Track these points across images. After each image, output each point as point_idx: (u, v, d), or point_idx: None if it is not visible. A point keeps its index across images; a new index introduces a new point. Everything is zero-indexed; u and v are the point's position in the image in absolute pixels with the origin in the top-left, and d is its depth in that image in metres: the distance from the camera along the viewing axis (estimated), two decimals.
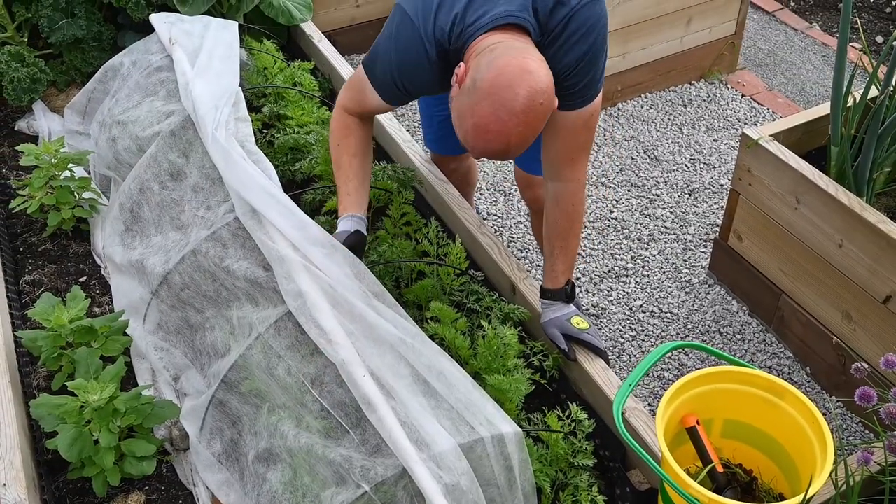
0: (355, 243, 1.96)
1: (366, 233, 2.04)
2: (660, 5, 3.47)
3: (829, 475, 1.51)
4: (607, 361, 1.99)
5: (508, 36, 1.70)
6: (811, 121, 2.63)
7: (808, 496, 1.38)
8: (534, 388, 1.90)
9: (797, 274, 2.56)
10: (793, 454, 1.61)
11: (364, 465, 1.60)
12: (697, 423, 1.63)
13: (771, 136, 2.54)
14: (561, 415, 1.85)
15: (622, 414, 1.64)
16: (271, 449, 1.76)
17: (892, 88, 2.42)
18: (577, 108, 1.86)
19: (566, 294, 2.05)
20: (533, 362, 1.99)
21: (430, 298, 2.12)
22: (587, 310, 2.82)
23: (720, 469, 1.65)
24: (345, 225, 1.99)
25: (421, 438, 1.59)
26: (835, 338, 2.44)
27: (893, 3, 4.11)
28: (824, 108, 2.61)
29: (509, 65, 1.60)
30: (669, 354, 2.70)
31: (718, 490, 1.62)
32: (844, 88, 2.48)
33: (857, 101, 2.50)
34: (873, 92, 2.55)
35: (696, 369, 1.93)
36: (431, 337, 1.94)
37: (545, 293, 2.07)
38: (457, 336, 1.90)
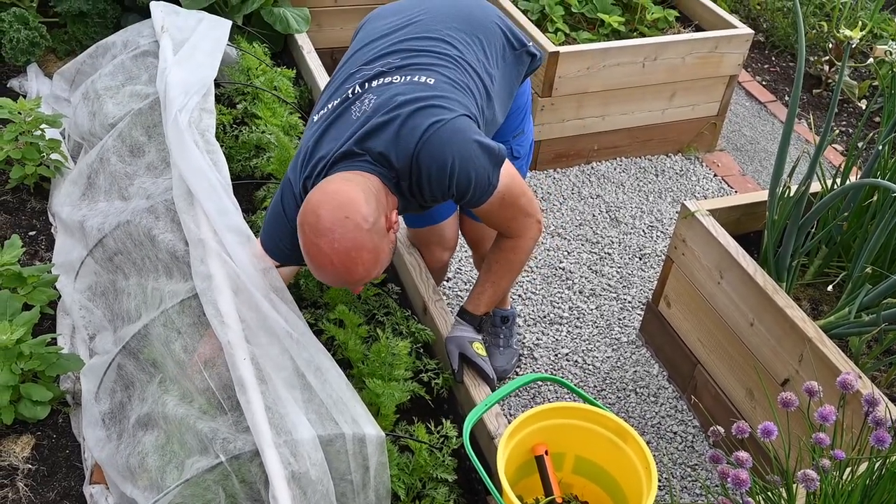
0: None
1: None
2: (644, 75, 3.59)
3: None
4: (493, 390, 2.08)
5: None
6: (751, 203, 2.73)
7: None
8: (409, 397, 1.98)
9: (713, 346, 2.64)
10: (630, 498, 1.68)
11: (226, 438, 1.69)
12: (546, 452, 1.71)
13: (708, 210, 2.64)
14: (431, 428, 1.93)
15: (483, 437, 1.71)
16: (151, 414, 1.86)
17: (816, 185, 2.51)
18: (484, 202, 1.86)
19: (479, 322, 2.16)
20: (423, 378, 2.08)
21: (345, 303, 2.22)
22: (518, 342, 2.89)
23: (559, 500, 1.72)
24: None
25: (283, 425, 1.68)
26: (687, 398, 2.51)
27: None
28: (765, 194, 2.71)
29: (311, 196, 1.68)
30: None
31: None
32: (784, 177, 2.58)
33: (794, 191, 2.60)
34: (817, 186, 2.66)
35: None
36: (331, 340, 2.04)
37: (462, 313, 2.17)
38: (351, 337, 2.00)
